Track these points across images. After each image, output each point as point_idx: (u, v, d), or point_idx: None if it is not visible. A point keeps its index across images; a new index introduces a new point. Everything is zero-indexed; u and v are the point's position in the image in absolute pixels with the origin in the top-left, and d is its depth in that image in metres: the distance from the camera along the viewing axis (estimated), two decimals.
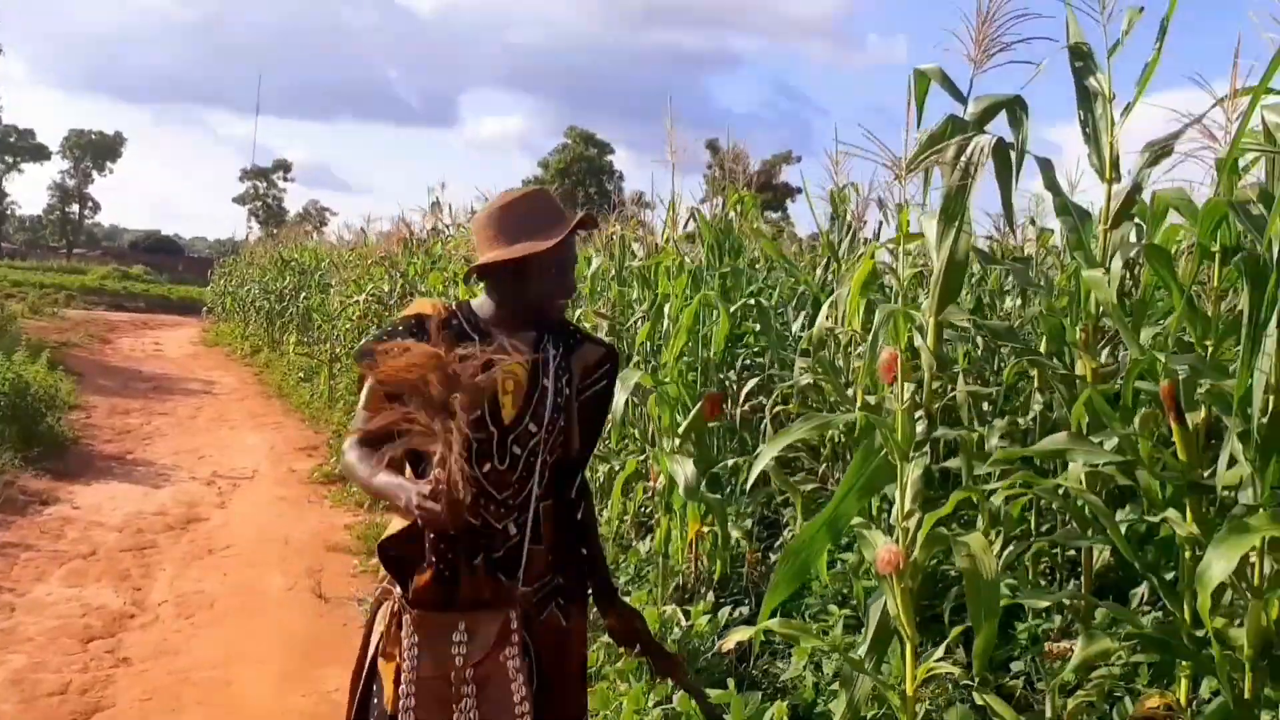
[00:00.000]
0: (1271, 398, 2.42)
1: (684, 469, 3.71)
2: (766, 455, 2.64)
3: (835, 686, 2.97)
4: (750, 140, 39.28)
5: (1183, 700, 2.79)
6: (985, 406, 4.70)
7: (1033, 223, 6.30)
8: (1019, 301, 5.29)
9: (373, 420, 1.89)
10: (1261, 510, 1.99)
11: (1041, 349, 3.94)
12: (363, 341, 2.07)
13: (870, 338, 2.62)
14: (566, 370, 2.10)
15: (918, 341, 2.95)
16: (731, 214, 6.28)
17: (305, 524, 6.66)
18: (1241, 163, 2.97)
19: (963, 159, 2.80)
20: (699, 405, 3.70)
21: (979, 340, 4.84)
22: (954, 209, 2.82)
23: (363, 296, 11.65)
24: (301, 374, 13.64)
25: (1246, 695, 2.43)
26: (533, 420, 2.01)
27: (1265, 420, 2.42)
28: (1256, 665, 2.43)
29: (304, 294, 15.25)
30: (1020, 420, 4.18)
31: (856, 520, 2.87)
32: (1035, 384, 3.98)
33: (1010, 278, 4.80)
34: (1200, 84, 3.09)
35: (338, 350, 12.04)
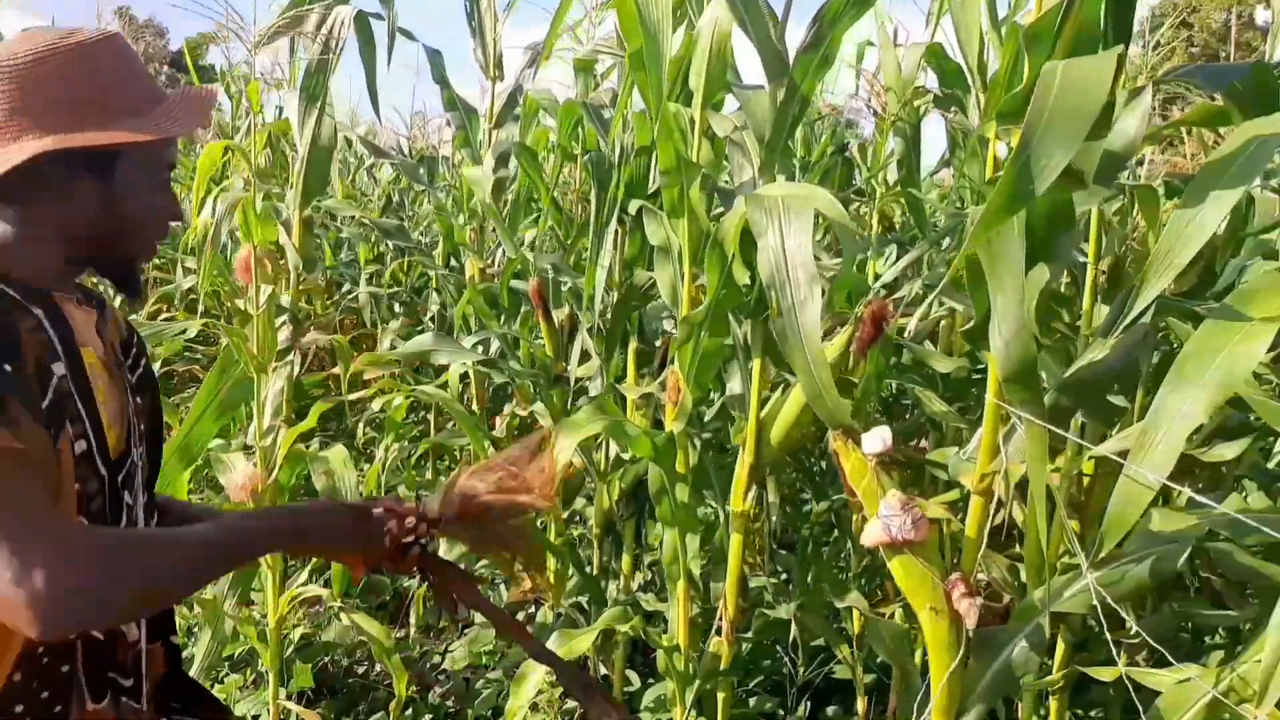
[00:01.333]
0: (615, 293, 2.57)
1: None
2: None
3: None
4: (176, 16, 34.79)
5: (552, 579, 2.97)
6: (397, 308, 4.60)
7: (449, 123, 6.30)
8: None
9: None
10: (585, 406, 2.07)
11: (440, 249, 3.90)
12: None
13: (211, 232, 2.24)
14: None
15: (284, 239, 2.65)
16: None
17: None
18: (601, 69, 3.10)
19: (324, 31, 2.52)
20: None
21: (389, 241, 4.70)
22: (315, 87, 2.54)
23: None
24: None
25: (595, 571, 2.63)
26: (132, 439, 1.17)
27: (610, 315, 2.57)
28: (603, 542, 2.65)
29: None
30: (423, 321, 4.13)
31: (218, 442, 2.55)
32: (434, 284, 3.94)
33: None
34: None
35: None
